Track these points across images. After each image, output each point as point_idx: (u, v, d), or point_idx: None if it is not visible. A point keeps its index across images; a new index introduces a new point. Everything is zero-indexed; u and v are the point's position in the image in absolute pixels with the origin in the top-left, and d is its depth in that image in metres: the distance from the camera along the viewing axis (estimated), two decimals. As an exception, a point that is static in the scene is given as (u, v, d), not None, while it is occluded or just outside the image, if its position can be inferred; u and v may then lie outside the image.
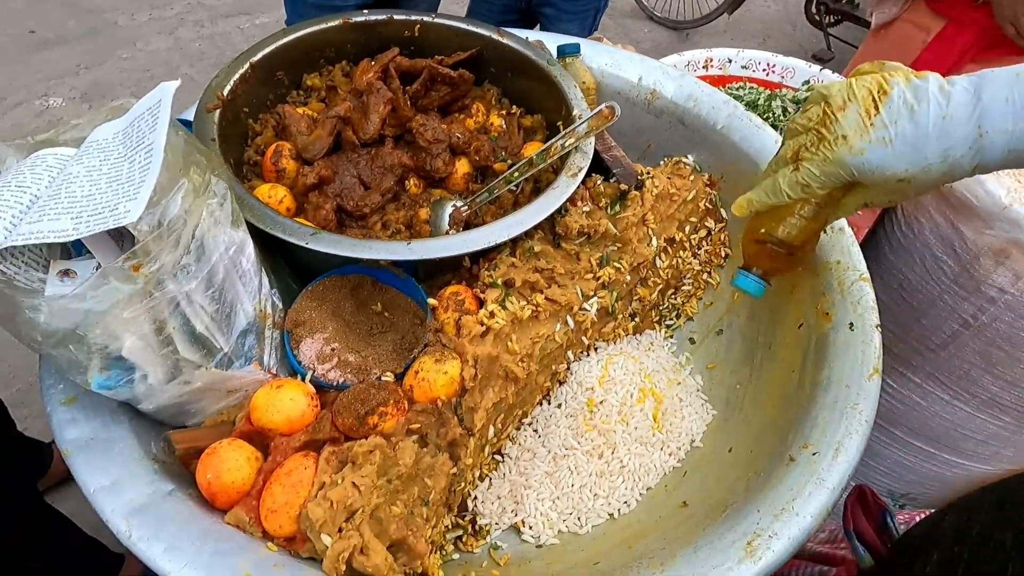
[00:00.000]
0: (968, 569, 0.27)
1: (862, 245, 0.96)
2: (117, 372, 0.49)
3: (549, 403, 0.71)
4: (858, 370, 0.54)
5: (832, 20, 2.42)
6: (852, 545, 0.40)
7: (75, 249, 0.51)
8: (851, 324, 0.58)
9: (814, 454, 0.50)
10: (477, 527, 0.63)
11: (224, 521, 0.47)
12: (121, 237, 0.51)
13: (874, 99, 0.47)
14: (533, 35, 0.88)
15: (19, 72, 2.24)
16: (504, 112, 0.84)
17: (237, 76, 0.70)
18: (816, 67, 1.05)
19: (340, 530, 0.45)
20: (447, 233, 0.71)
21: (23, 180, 0.50)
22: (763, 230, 0.56)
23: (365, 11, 0.81)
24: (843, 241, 0.66)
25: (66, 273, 0.49)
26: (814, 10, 2.43)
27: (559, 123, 0.78)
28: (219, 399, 0.54)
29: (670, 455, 0.68)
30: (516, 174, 0.72)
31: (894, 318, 1.01)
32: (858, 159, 0.47)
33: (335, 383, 0.55)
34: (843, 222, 0.69)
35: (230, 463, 0.47)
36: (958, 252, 0.88)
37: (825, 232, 0.68)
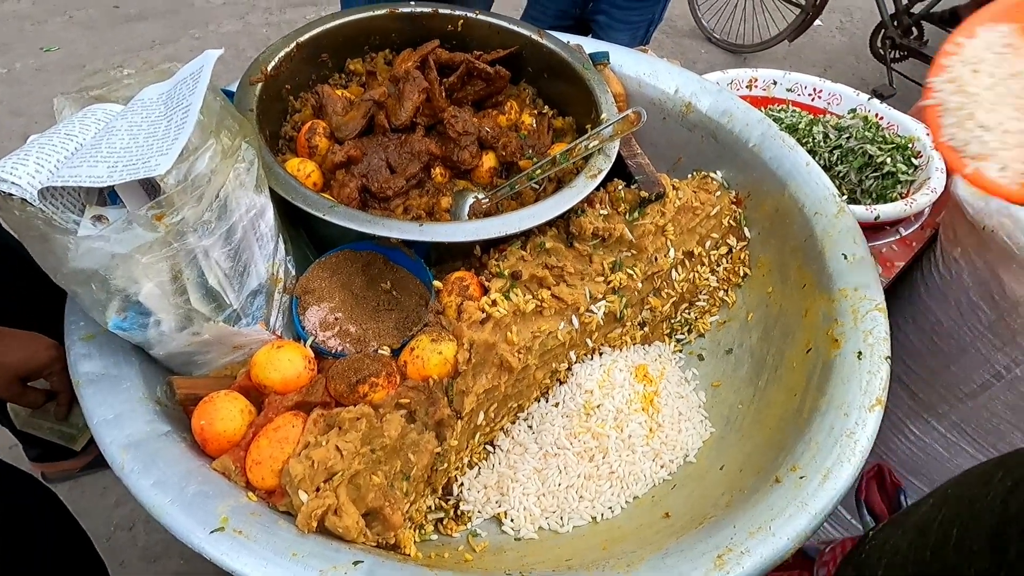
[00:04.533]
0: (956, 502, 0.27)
1: (896, 283, 0.94)
2: (133, 315, 0.52)
3: (547, 401, 0.71)
4: (860, 399, 0.53)
5: (898, 56, 2.34)
6: (860, 513, 0.40)
7: (111, 198, 0.55)
8: (859, 353, 0.56)
9: (801, 477, 0.48)
10: (459, 512, 0.63)
11: (211, 467, 0.49)
12: (153, 190, 0.54)
13: None
14: (575, 40, 0.89)
15: (101, 42, 2.40)
16: (536, 112, 0.85)
17: (283, 54, 0.74)
18: (864, 96, 1.02)
19: (317, 489, 0.47)
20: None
21: (72, 129, 0.54)
22: None
23: (412, 3, 0.84)
24: (864, 269, 0.64)
25: (99, 218, 0.53)
26: (880, 44, 2.36)
27: (588, 126, 0.79)
28: (225, 353, 0.56)
29: (662, 467, 0.67)
30: (538, 171, 0.73)
31: (923, 363, 0.97)
32: None
33: (333, 351, 0.57)
34: (867, 251, 0.67)
35: (224, 413, 0.49)
36: (996, 299, 0.84)
37: (845, 258, 0.66)
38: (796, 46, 2.71)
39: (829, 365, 0.57)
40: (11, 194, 0.47)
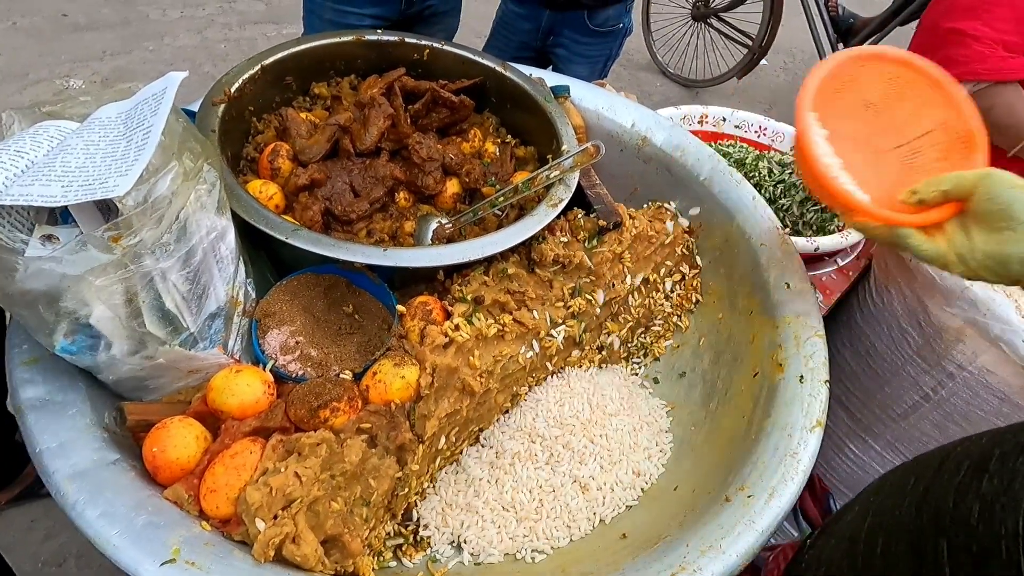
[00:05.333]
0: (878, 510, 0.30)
1: (834, 309, 1.00)
2: (82, 339, 0.50)
3: (507, 424, 0.71)
4: (802, 420, 0.56)
5: (835, 96, 2.52)
6: (796, 520, 0.43)
7: (62, 217, 0.53)
8: (801, 377, 0.60)
9: (749, 496, 0.51)
10: (419, 538, 0.63)
11: (163, 496, 0.47)
12: (108, 210, 0.53)
13: None
14: (537, 72, 0.92)
15: (47, 51, 2.31)
16: (499, 140, 0.88)
17: (247, 76, 0.74)
18: (805, 134, 1.09)
19: (275, 517, 0.46)
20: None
21: (22, 146, 0.52)
22: None
23: (379, 31, 0.85)
24: (805, 297, 0.68)
25: (49, 238, 0.51)
26: (819, 84, 2.53)
27: (549, 156, 0.82)
28: (180, 378, 0.55)
29: (624, 490, 0.68)
30: (501, 198, 0.75)
31: (860, 384, 1.03)
32: None
33: (294, 375, 0.56)
34: (807, 281, 0.72)
35: (177, 439, 0.48)
36: (922, 325, 0.91)
37: (788, 288, 0.71)
38: (744, 83, 2.87)
39: (774, 389, 0.61)
40: (-46, 212, 0.46)
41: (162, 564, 0.41)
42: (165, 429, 0.49)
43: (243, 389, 0.52)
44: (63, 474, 0.44)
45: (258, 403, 0.52)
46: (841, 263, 0.95)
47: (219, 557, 0.43)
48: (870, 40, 2.31)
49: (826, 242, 0.88)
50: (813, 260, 0.93)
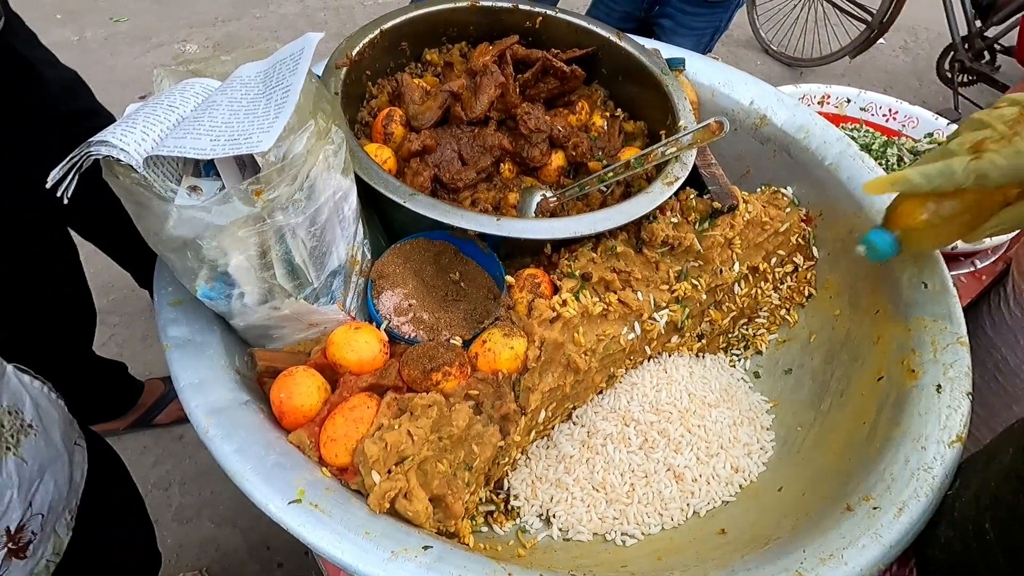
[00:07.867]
0: None
1: (961, 315, 0.91)
2: (220, 285, 0.53)
3: (601, 405, 0.70)
4: (938, 433, 0.51)
5: (966, 80, 2.27)
6: None
7: (204, 170, 0.57)
8: (939, 386, 0.55)
9: (875, 508, 0.47)
10: (509, 507, 0.64)
11: (287, 439, 0.50)
12: (244, 165, 0.55)
13: None
14: (651, 44, 0.88)
15: (167, 16, 2.47)
16: (608, 114, 0.85)
17: (367, 40, 0.75)
18: (943, 120, 0.99)
19: (389, 472, 0.48)
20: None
21: (174, 101, 0.56)
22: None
23: (493, -3, 0.84)
24: (946, 299, 0.62)
25: (194, 189, 0.54)
26: (947, 66, 2.28)
27: (661, 132, 0.78)
28: (300, 330, 0.57)
29: (718, 483, 0.66)
30: (611, 174, 0.72)
31: (983, 400, 0.93)
32: None
33: (407, 336, 0.58)
34: (949, 281, 0.65)
35: (302, 387, 0.51)
36: (1070, 341, 0.81)
37: (925, 288, 0.64)
38: (856, 64, 2.65)
39: (904, 396, 0.56)
40: (119, 160, 0.49)
41: (290, 503, 0.43)
42: (291, 377, 0.51)
43: (361, 346, 0.53)
44: (203, 409, 0.48)
45: (374, 360, 0.54)
46: (978, 265, 0.86)
47: (338, 503, 0.45)
48: (1016, 17, 2.05)
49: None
50: (946, 260, 0.84)
